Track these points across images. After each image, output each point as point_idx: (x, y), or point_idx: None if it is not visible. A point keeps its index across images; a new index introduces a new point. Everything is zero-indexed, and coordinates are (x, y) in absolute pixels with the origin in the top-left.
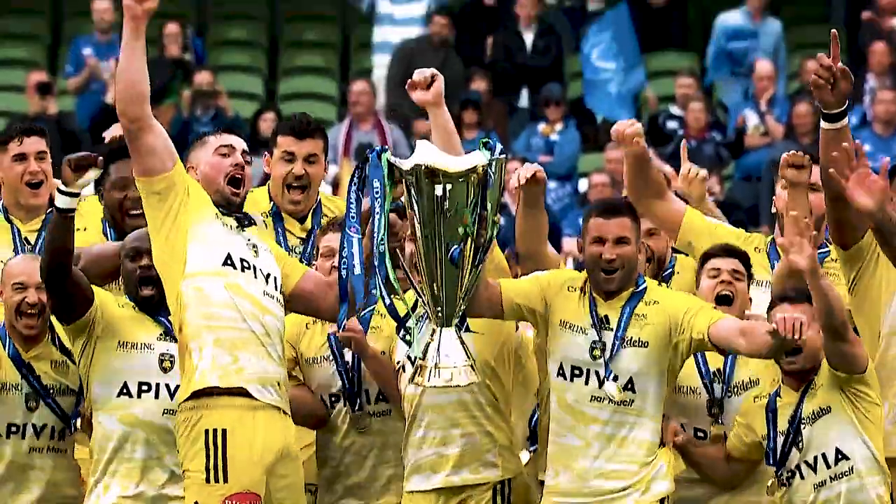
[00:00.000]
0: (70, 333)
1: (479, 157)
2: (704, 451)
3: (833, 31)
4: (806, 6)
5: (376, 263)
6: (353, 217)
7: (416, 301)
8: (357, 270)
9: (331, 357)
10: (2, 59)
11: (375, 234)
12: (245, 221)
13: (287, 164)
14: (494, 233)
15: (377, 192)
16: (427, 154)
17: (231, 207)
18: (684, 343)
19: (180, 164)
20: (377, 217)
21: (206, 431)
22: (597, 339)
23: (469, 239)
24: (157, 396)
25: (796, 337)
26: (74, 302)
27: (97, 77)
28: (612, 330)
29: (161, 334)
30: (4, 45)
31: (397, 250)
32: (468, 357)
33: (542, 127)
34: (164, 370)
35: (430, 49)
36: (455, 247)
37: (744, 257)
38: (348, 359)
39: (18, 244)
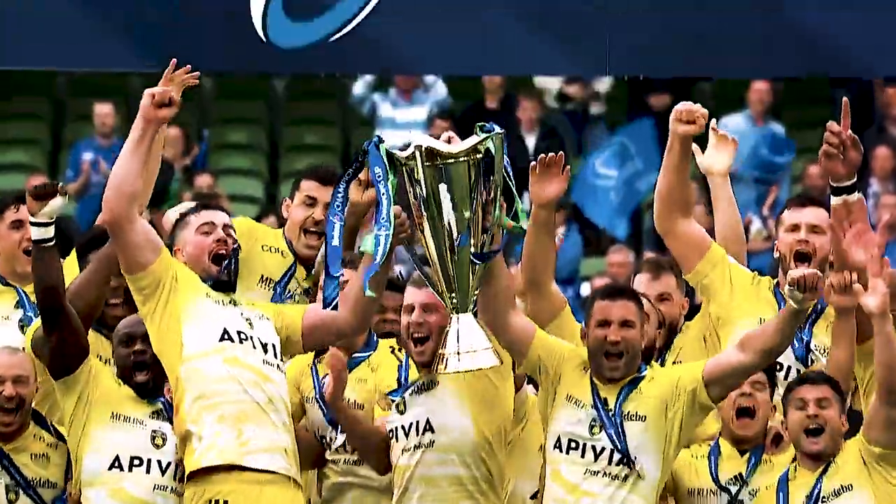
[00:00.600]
0: (61, 392)
1: (477, 139)
2: None
3: (844, 98)
4: (809, 110)
5: (379, 248)
6: (338, 206)
7: (405, 364)
8: (335, 242)
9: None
10: (2, 164)
11: (378, 218)
12: (233, 273)
13: (308, 208)
14: (502, 214)
15: (379, 177)
16: (424, 139)
17: (221, 282)
18: (681, 411)
19: (165, 253)
20: (382, 201)
21: (209, 501)
22: (596, 416)
23: (475, 223)
24: (148, 471)
25: (812, 291)
26: (70, 346)
27: (97, 172)
28: (611, 410)
29: (153, 413)
30: (5, 150)
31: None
32: (489, 340)
33: None
34: (156, 446)
35: None
36: (462, 234)
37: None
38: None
39: (25, 301)
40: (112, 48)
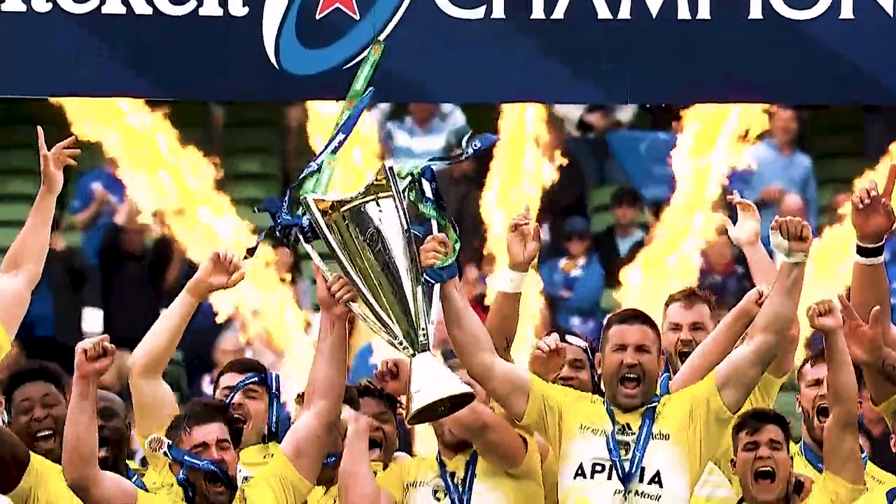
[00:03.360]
0: None
1: (369, 181)
2: None
3: (893, 164)
4: (838, 138)
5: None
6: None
7: None
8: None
9: None
10: (7, 195)
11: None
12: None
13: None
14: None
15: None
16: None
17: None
18: (702, 420)
19: (142, 497)
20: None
21: None
22: (620, 441)
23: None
24: None
25: (799, 240)
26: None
27: (107, 205)
28: (634, 433)
29: None
30: (10, 181)
31: None
32: (453, 374)
33: (563, 263)
34: None
35: (451, 184)
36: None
37: (782, 422)
38: None
39: None
40: (118, 76)
